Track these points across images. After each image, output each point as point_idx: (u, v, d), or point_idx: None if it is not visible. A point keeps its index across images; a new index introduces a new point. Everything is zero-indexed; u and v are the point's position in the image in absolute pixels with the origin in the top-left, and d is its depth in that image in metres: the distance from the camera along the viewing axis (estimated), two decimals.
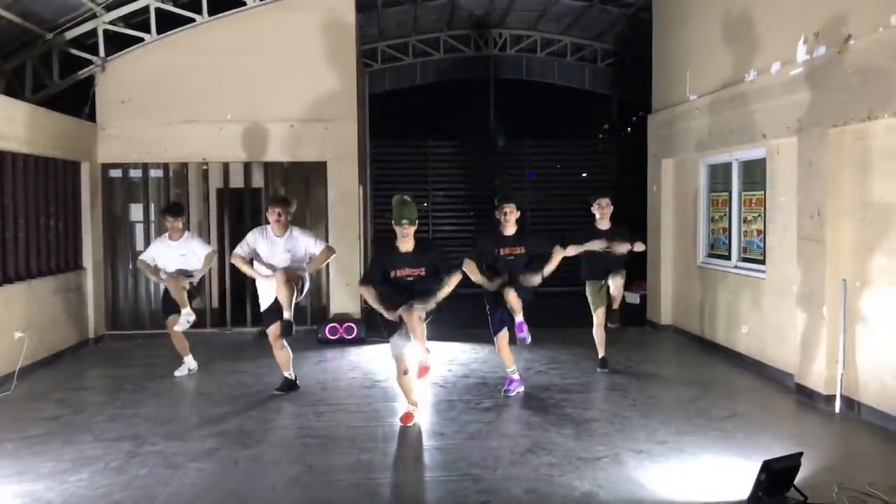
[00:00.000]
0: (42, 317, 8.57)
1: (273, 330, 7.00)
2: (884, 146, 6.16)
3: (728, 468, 5.16)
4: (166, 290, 8.01)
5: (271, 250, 6.99)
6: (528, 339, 6.86)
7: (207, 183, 10.72)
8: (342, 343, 9.69)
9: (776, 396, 7.13)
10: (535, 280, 6.81)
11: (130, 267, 10.49)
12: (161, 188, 10.55)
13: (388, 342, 6.28)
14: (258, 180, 10.68)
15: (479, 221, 15.65)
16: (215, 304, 10.77)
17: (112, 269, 10.43)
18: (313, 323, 10.33)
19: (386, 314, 5.99)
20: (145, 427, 6.25)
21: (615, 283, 7.76)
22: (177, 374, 8.00)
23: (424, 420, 6.34)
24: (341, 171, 10.49)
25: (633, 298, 12.99)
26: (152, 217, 10.50)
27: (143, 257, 8.13)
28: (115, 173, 10.45)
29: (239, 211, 10.72)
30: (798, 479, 4.60)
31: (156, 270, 7.96)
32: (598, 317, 7.96)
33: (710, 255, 9.57)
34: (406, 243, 6.08)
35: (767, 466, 4.46)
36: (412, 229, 6.04)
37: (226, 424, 6.31)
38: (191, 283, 7.89)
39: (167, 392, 7.50)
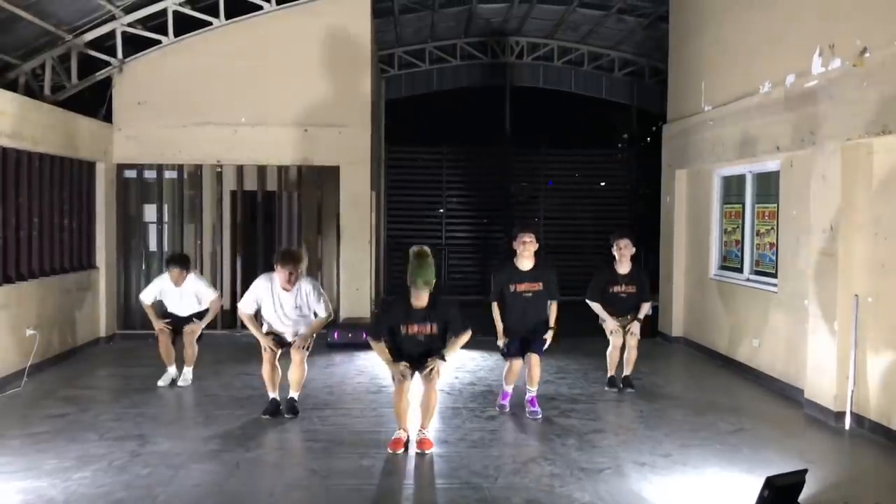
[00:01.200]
0: (54, 315, 8.65)
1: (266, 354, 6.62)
2: None
3: (732, 483, 5.10)
4: (165, 310, 7.86)
5: (279, 305, 6.61)
6: (540, 416, 6.64)
7: (221, 185, 10.79)
8: (351, 347, 9.69)
9: (785, 412, 7.05)
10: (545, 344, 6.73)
11: (143, 267, 10.57)
12: (175, 189, 10.63)
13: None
14: (272, 183, 10.73)
15: (492, 229, 15.66)
16: (226, 306, 10.81)
17: (125, 268, 10.51)
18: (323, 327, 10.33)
19: (393, 371, 5.83)
20: (150, 427, 6.28)
21: (633, 340, 7.60)
22: (159, 384, 7.66)
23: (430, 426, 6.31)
24: (354, 176, 10.53)
25: (645, 309, 12.92)
26: (166, 218, 10.58)
27: (144, 298, 7.79)
28: (130, 174, 10.54)
29: (252, 213, 10.78)
30: (803, 497, 4.52)
31: (157, 315, 7.72)
32: (616, 341, 7.62)
33: (723, 268, 9.50)
34: (420, 301, 5.81)
35: (771, 483, 4.38)
36: (427, 291, 5.75)
37: (230, 426, 6.33)
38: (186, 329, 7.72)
39: (173, 392, 7.53)
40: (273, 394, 6.69)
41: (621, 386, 7.65)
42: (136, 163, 10.43)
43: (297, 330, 6.72)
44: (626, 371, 7.72)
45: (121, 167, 10.39)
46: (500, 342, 6.76)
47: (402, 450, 5.71)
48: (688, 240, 10.42)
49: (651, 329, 11.14)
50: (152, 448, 5.72)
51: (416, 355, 5.85)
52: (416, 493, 5.08)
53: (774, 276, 8.07)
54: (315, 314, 6.76)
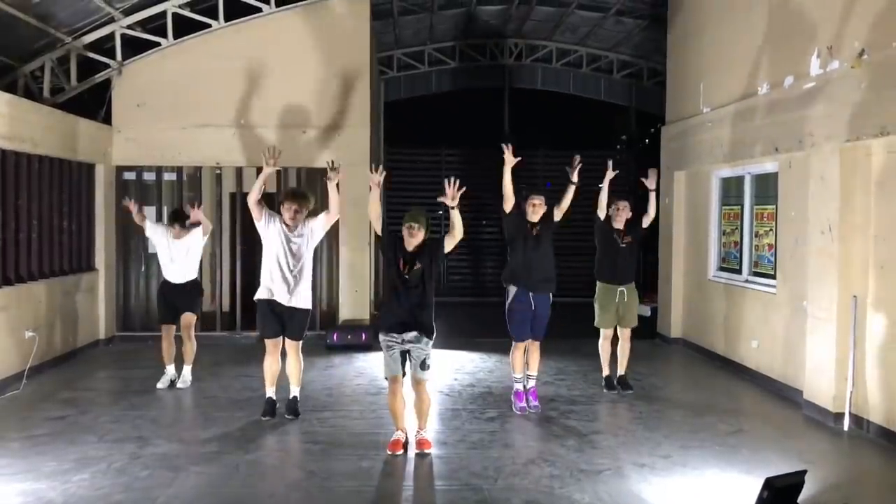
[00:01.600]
0: (53, 317, 8.65)
1: (273, 344, 6.63)
2: None
3: (731, 484, 5.11)
4: (163, 294, 7.91)
5: (278, 241, 6.55)
6: (539, 409, 6.91)
7: (221, 187, 10.79)
8: (350, 349, 9.70)
9: (784, 413, 7.05)
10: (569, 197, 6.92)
11: (143, 269, 10.55)
12: (174, 191, 10.63)
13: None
14: (271, 185, 10.70)
15: (492, 231, 15.66)
16: (226, 307, 10.82)
17: (124, 270, 10.50)
18: (322, 328, 10.34)
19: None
20: (149, 429, 6.28)
21: (624, 336, 7.66)
22: (159, 385, 7.67)
23: (427, 429, 6.31)
24: (353, 177, 10.49)
25: (644, 311, 12.92)
26: (165, 221, 10.55)
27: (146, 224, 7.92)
28: (129, 176, 10.53)
29: (251, 215, 10.74)
30: (802, 497, 4.52)
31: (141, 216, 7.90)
32: (608, 332, 7.71)
33: (721, 269, 9.50)
34: (416, 238, 5.78)
35: (770, 484, 4.39)
36: (420, 234, 5.76)
37: (229, 428, 6.33)
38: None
39: (173, 394, 7.53)
40: (271, 392, 6.70)
41: (619, 388, 7.66)
42: (135, 165, 10.43)
43: (298, 299, 6.58)
44: (621, 370, 7.73)
45: (120, 169, 10.39)
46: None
47: (401, 451, 5.72)
48: (687, 241, 10.43)
49: (650, 330, 11.18)
50: (152, 450, 5.72)
51: (407, 303, 5.72)
52: (416, 495, 5.09)
53: (773, 277, 8.08)
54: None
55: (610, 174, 7.55)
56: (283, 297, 6.58)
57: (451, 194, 5.80)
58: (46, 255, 8.70)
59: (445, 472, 5.36)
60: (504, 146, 6.77)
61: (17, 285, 8.01)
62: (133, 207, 7.95)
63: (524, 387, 7.01)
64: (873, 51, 6.07)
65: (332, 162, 6.70)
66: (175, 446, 5.83)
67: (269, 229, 6.61)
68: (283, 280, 6.57)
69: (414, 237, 5.77)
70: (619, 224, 7.79)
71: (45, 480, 5.07)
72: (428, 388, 5.89)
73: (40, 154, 8.46)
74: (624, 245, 7.70)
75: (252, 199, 6.62)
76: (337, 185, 6.61)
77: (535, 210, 6.94)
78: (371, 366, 8.81)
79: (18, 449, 5.74)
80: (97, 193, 9.97)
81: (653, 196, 7.82)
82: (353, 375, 8.40)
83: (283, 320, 6.63)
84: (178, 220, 7.87)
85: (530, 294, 6.84)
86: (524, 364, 6.98)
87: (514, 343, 6.92)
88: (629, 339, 7.72)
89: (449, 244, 5.90)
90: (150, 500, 4.79)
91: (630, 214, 7.81)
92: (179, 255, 7.81)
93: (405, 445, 5.78)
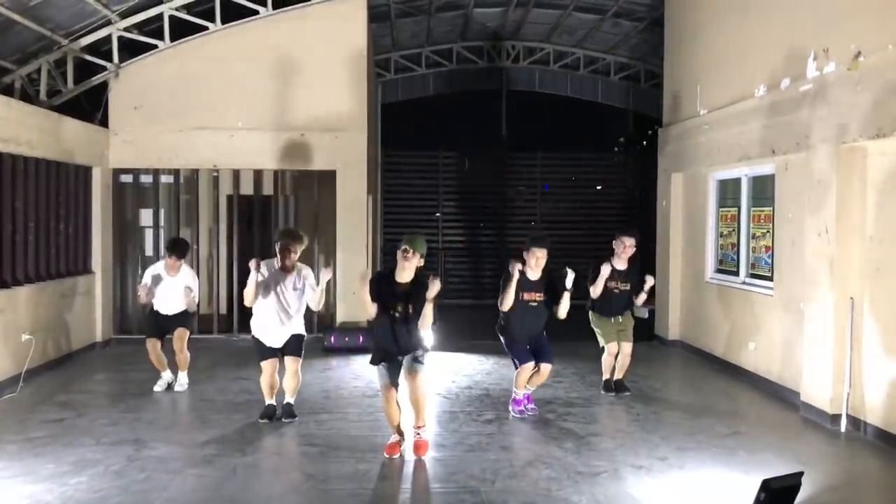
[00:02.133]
0: (50, 319, 8.64)
1: (267, 367, 6.63)
2: (893, 164, 6.11)
3: (728, 486, 5.11)
4: (154, 315, 7.78)
5: (280, 286, 6.55)
6: (537, 410, 6.90)
7: (218, 190, 10.80)
8: (348, 351, 9.69)
9: (781, 415, 7.06)
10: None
11: (140, 272, 10.52)
12: (171, 194, 10.63)
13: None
14: (268, 188, 10.75)
15: (488, 233, 15.68)
16: (223, 310, 10.82)
17: (121, 273, 10.51)
18: (320, 331, 10.34)
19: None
20: (146, 431, 6.27)
21: (627, 347, 7.61)
22: (156, 388, 7.67)
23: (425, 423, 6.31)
24: (350, 180, 10.54)
25: (642, 313, 12.90)
26: (162, 223, 10.57)
27: (146, 281, 7.72)
28: (126, 178, 10.55)
29: (249, 218, 10.78)
30: (799, 499, 4.53)
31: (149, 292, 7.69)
32: (612, 348, 7.61)
33: (719, 271, 9.51)
34: (404, 275, 5.72)
35: (767, 485, 4.39)
36: (415, 261, 5.69)
37: (226, 431, 6.32)
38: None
39: (170, 397, 7.52)
40: (270, 400, 6.70)
41: (615, 391, 7.65)
42: (132, 167, 10.43)
43: (291, 331, 6.62)
44: (619, 375, 7.72)
45: (117, 172, 10.39)
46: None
47: (397, 454, 5.70)
48: (684, 243, 10.43)
49: (648, 332, 11.18)
50: (149, 453, 5.71)
51: (400, 331, 5.64)
52: (413, 498, 5.09)
53: (770, 279, 8.09)
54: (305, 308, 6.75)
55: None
56: (275, 342, 6.61)
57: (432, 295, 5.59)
58: (43, 258, 8.69)
59: (443, 475, 5.35)
60: (511, 264, 6.67)
61: (14, 288, 8.00)
62: (143, 295, 7.72)
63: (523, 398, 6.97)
64: (870, 53, 6.08)
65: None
66: (172, 449, 5.82)
67: (268, 282, 6.55)
68: (277, 324, 6.57)
69: (409, 261, 5.68)
70: (620, 263, 7.58)
71: (43, 483, 5.06)
72: (423, 380, 5.66)
73: (37, 157, 8.45)
74: (618, 292, 7.56)
75: (248, 302, 6.66)
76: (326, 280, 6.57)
77: (538, 263, 6.70)
78: (369, 369, 8.73)
79: (16, 451, 5.73)
80: (94, 196, 9.97)
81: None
82: (351, 378, 8.39)
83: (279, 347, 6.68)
84: (175, 251, 7.71)
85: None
86: (534, 381, 6.85)
87: (519, 366, 6.78)
88: (629, 353, 7.67)
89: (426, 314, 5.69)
90: (147, 502, 4.78)
91: (634, 251, 7.59)
92: (173, 292, 7.70)
93: (402, 448, 5.76)
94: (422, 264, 5.79)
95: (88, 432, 6.21)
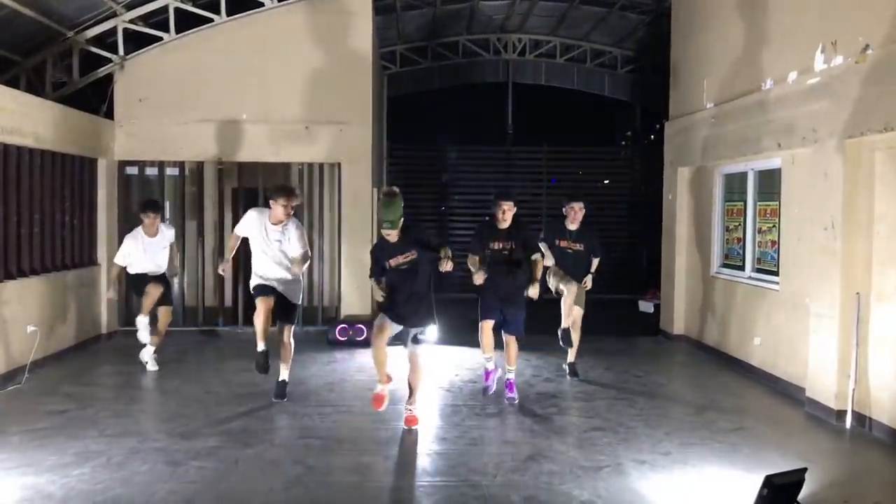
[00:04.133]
0: (55, 311, 8.65)
1: (260, 304, 6.71)
2: None
3: (731, 482, 5.09)
4: (133, 276, 8.18)
5: (267, 238, 6.76)
6: (516, 400, 7.00)
7: (222, 182, 10.79)
8: (352, 344, 9.69)
9: (786, 410, 7.03)
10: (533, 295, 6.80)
11: None
12: (177, 186, 10.63)
13: (396, 344, 6.32)
14: (273, 181, 10.71)
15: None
16: (228, 302, 10.83)
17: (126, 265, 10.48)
18: (324, 324, 10.34)
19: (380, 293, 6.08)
20: (150, 423, 6.29)
21: (578, 313, 7.78)
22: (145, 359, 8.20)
23: (428, 424, 6.32)
24: (355, 173, 10.53)
25: (647, 307, 12.91)
26: (167, 215, 10.56)
27: (119, 261, 8.14)
28: (132, 171, 10.55)
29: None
30: (803, 496, 4.51)
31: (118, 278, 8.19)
32: (573, 287, 7.59)
33: (724, 266, 9.47)
34: (392, 237, 6.04)
35: (770, 481, 4.37)
36: (395, 232, 5.95)
37: (229, 423, 6.32)
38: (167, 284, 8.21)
39: (174, 389, 7.53)
40: (262, 345, 6.77)
41: (567, 372, 7.99)
42: (137, 160, 10.43)
43: (282, 276, 6.80)
44: (571, 358, 7.96)
45: (122, 164, 10.40)
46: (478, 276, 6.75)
47: (382, 407, 6.20)
48: (689, 237, 10.38)
49: (652, 327, 11.16)
50: (151, 444, 5.72)
51: (405, 291, 6.06)
52: (415, 490, 5.06)
53: (776, 273, 8.05)
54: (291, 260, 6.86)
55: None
56: (271, 280, 6.79)
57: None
58: (48, 250, 8.70)
59: (445, 469, 5.35)
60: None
61: (19, 280, 8.02)
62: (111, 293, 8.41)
63: (503, 373, 7.21)
64: (878, 46, 6.02)
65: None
66: (175, 441, 5.82)
67: (254, 234, 6.81)
68: (272, 267, 6.81)
69: (391, 236, 6.01)
70: (572, 225, 7.78)
71: (45, 474, 5.08)
72: (422, 362, 6.28)
73: (42, 149, 8.46)
74: (571, 252, 7.74)
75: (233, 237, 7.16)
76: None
77: (504, 215, 6.88)
78: (372, 361, 8.78)
79: (19, 443, 5.74)
80: (99, 188, 9.96)
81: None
82: (355, 370, 8.39)
83: (277, 297, 6.80)
84: (150, 207, 8.15)
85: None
86: (505, 357, 7.11)
87: (479, 321, 7.01)
88: (580, 324, 7.91)
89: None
90: (148, 494, 4.79)
91: (584, 213, 7.75)
92: (157, 254, 8.12)
93: (385, 401, 6.29)
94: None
95: (92, 424, 6.23)
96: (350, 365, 8.70)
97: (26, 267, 8.22)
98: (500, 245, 6.93)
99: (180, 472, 5.18)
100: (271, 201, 6.76)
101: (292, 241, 6.81)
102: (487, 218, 7.13)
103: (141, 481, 4.99)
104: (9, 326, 7.69)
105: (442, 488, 5.01)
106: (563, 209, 7.86)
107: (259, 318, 6.71)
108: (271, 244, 6.77)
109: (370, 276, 6.32)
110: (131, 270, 8.14)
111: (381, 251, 6.18)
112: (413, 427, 6.14)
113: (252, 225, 6.84)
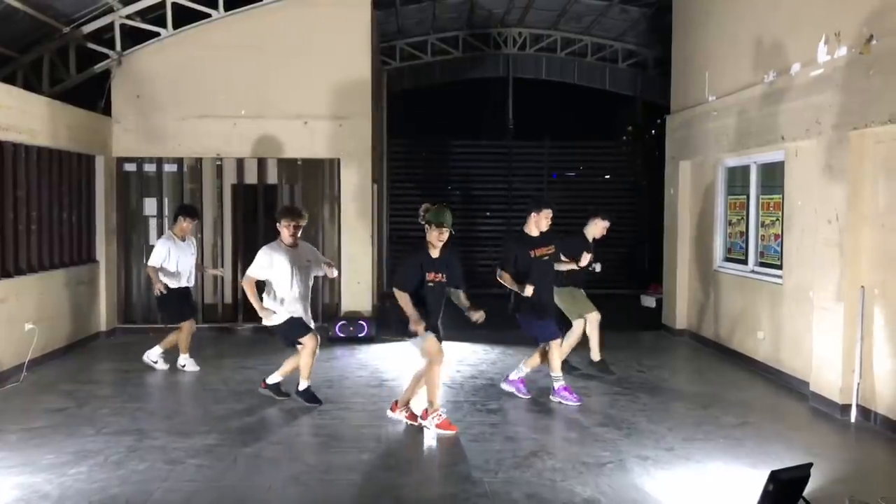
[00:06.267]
0: (53, 309, 8.60)
1: (311, 341, 6.72)
2: None
3: (736, 477, 5.03)
4: (183, 293, 8.05)
5: (294, 261, 6.58)
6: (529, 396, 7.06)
7: (221, 178, 10.72)
8: (352, 341, 9.64)
9: (790, 405, 6.97)
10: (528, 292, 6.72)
11: (144, 261, 10.48)
12: (175, 183, 10.57)
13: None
14: (272, 176, 10.68)
15: (495, 221, 15.56)
16: (227, 299, 10.77)
17: (125, 262, 10.45)
18: (324, 320, 10.29)
19: (414, 323, 5.85)
20: (148, 421, 6.23)
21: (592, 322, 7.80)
22: (179, 364, 8.09)
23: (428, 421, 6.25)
24: (355, 169, 10.47)
25: (649, 302, 12.85)
26: (166, 212, 10.51)
27: (154, 263, 7.90)
28: (130, 167, 10.49)
29: (253, 207, 10.71)
30: (808, 491, 4.44)
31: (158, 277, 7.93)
32: (594, 317, 7.77)
33: (727, 260, 9.40)
34: (436, 249, 6.07)
35: (775, 477, 4.31)
36: (447, 234, 6.07)
37: (228, 421, 6.28)
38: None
39: (173, 387, 7.49)
40: (307, 383, 6.77)
41: (599, 370, 7.98)
42: (135, 156, 10.37)
43: (306, 305, 6.75)
44: (596, 356, 7.97)
45: (120, 160, 10.34)
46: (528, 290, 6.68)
47: (456, 430, 5.95)
48: (692, 232, 10.32)
49: (655, 322, 11.10)
50: (150, 443, 5.67)
51: (437, 310, 6.10)
52: (416, 487, 5.02)
53: (779, 267, 7.98)
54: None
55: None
56: (303, 312, 6.73)
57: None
58: (46, 247, 8.65)
59: (446, 465, 5.30)
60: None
61: (17, 277, 7.97)
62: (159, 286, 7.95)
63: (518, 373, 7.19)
64: (882, 36, 5.95)
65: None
66: (173, 439, 5.77)
67: (279, 265, 6.56)
68: (304, 300, 6.73)
69: (443, 241, 6.10)
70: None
71: (42, 473, 5.03)
72: (419, 367, 6.19)
73: (40, 145, 8.41)
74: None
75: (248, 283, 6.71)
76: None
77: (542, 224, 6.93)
78: (373, 358, 8.75)
79: (16, 441, 5.70)
80: (97, 185, 9.91)
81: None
82: (355, 367, 8.34)
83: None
84: (188, 212, 8.18)
85: None
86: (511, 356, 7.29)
87: (549, 342, 6.88)
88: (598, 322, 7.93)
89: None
90: (146, 493, 4.74)
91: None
92: (189, 259, 8.12)
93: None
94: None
95: (90, 422, 6.18)
96: (350, 361, 8.64)
97: (24, 264, 8.17)
98: (542, 252, 6.86)
99: (179, 470, 5.13)
100: (277, 224, 6.67)
101: (318, 258, 6.87)
102: (517, 230, 7.00)
103: (138, 480, 4.94)
104: (7, 324, 7.64)
105: (444, 485, 4.96)
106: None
107: (310, 356, 6.71)
108: (302, 269, 6.64)
109: (396, 287, 6.00)
110: (171, 284, 7.92)
111: (422, 265, 6.01)
112: (412, 423, 6.13)
113: (275, 262, 6.53)
